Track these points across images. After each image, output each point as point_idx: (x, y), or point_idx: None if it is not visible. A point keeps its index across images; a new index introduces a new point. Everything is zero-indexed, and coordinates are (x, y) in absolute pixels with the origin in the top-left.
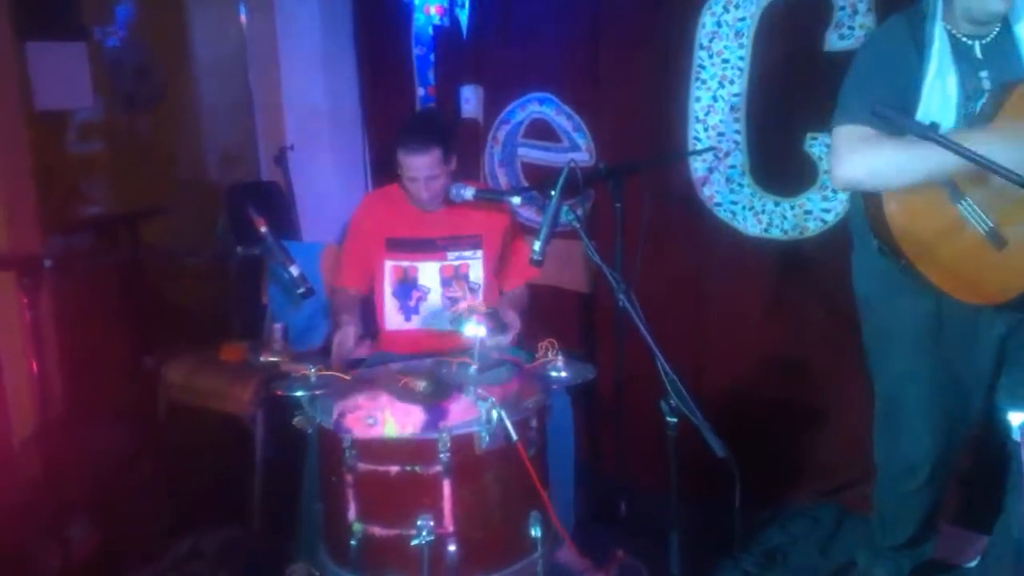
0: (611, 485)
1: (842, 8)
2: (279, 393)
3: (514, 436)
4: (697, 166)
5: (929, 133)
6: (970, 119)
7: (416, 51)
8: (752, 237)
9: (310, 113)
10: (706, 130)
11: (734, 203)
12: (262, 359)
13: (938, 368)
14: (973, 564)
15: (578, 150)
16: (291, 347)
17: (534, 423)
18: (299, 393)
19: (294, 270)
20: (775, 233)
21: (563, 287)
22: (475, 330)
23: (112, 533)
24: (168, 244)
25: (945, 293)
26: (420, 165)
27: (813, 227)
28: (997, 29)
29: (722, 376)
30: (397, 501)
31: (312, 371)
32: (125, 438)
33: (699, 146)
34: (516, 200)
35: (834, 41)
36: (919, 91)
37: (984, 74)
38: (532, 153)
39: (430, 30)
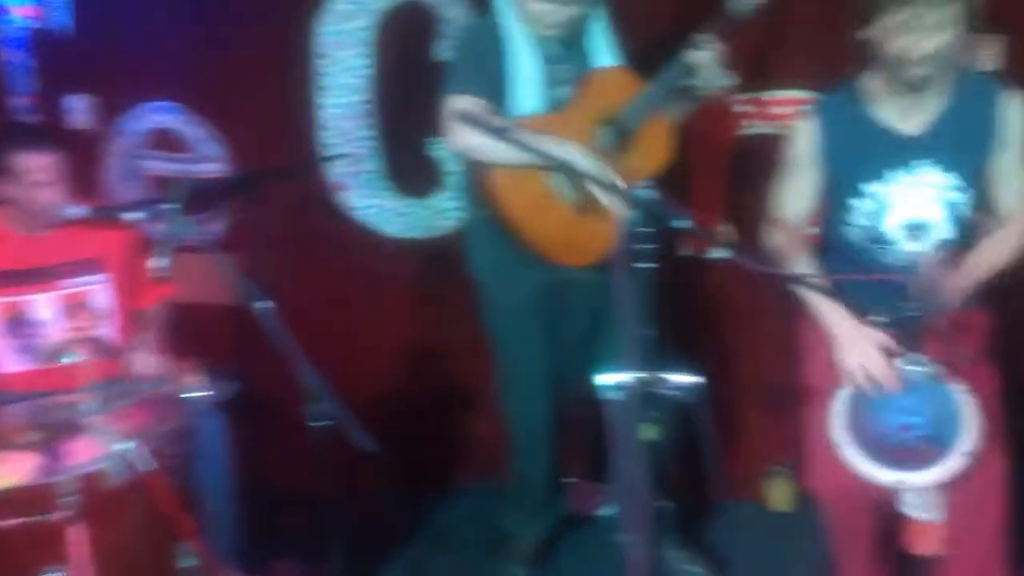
0: (279, 498)
1: (448, 21)
2: None
3: (148, 466)
4: (333, 172)
5: (503, 135)
6: (556, 105)
7: (9, 56)
8: (394, 239)
9: None
10: (338, 136)
11: (373, 207)
12: None
13: (551, 336)
14: (605, 512)
15: (209, 160)
16: None
17: (175, 449)
18: None
19: None
20: (414, 233)
21: (208, 302)
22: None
23: None
24: None
25: (547, 257)
26: (44, 166)
27: (447, 225)
28: (570, 29)
29: (381, 373)
30: (25, 557)
31: None
32: None
33: (331, 153)
34: (136, 216)
35: (444, 51)
36: (508, 78)
37: (563, 66)
38: (159, 165)
39: (25, 34)
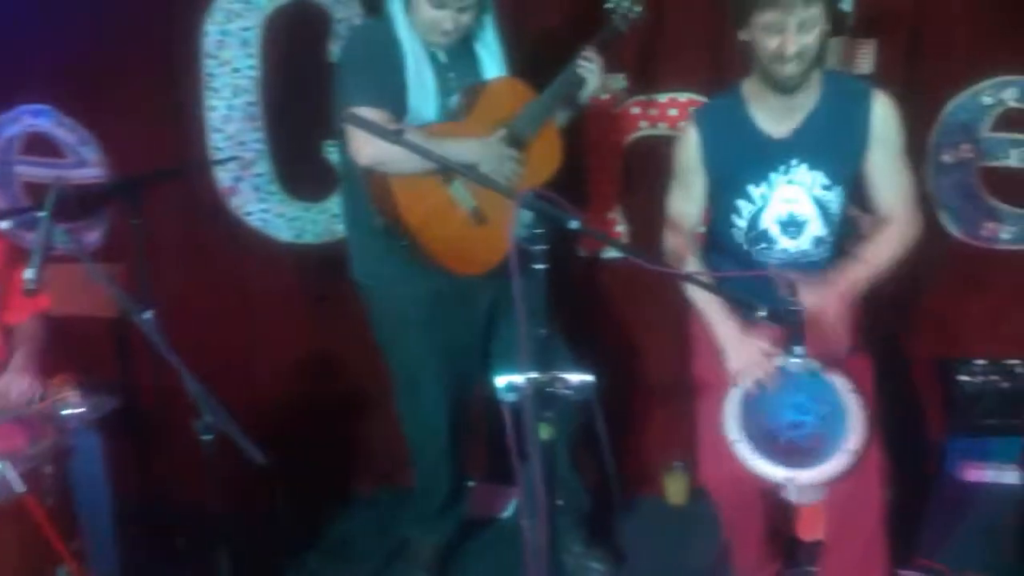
0: (170, 513)
1: (339, 20)
2: None
3: (22, 488)
4: (223, 176)
5: (396, 139)
6: (448, 112)
7: None
8: (287, 244)
9: None
10: (227, 139)
11: (265, 211)
12: None
13: (445, 341)
14: (508, 513)
15: (87, 165)
16: None
17: (49, 469)
18: None
19: None
20: (308, 238)
21: (88, 314)
22: None
23: None
24: None
25: (444, 267)
26: None
27: (341, 230)
28: (459, 38)
29: (276, 381)
30: None
31: None
32: None
33: (220, 156)
34: (7, 225)
35: (335, 52)
36: (405, 86)
37: (452, 75)
38: (33, 171)
39: None
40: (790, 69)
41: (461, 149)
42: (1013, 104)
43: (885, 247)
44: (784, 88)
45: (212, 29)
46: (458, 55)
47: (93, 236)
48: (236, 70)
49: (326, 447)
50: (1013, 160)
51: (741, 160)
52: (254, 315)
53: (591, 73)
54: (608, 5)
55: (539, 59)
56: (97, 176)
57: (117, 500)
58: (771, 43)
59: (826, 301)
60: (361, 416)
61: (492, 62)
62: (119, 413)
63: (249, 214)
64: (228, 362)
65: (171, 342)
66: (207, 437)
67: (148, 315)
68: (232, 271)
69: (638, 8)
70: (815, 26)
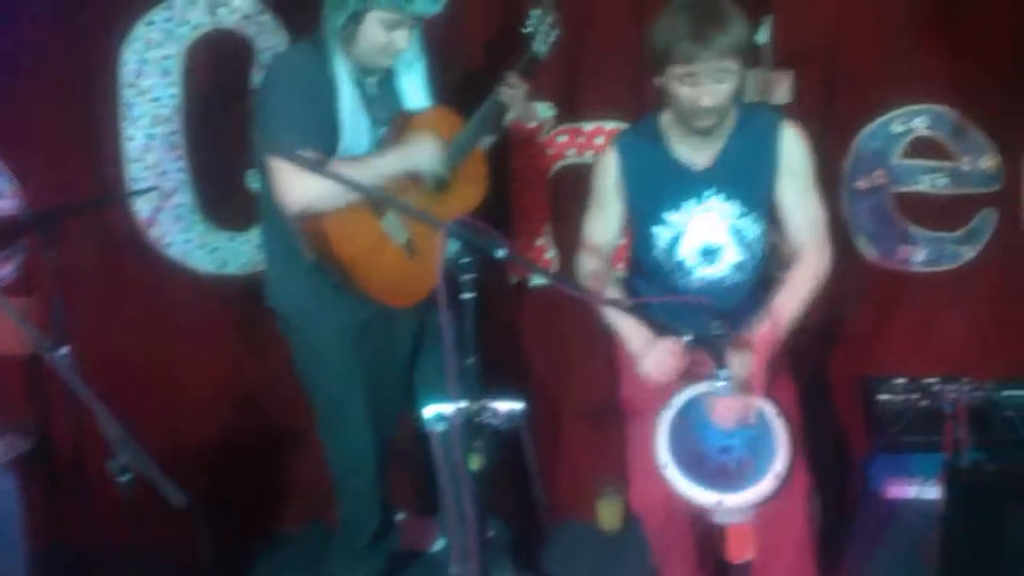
0: (85, 560)
1: (263, 50)
2: None
3: None
4: (141, 207)
5: (325, 171)
6: (379, 143)
7: None
8: (209, 275)
9: None
10: (146, 169)
11: (187, 242)
12: None
13: (370, 372)
14: (438, 547)
15: (1, 197)
16: None
17: None
18: None
19: None
20: (231, 269)
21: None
22: None
23: None
24: None
25: (376, 300)
26: None
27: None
28: (386, 71)
29: (201, 418)
30: None
31: None
32: None
33: (139, 187)
34: None
35: (258, 81)
36: (339, 118)
37: (381, 105)
38: None
39: None
40: (704, 121)
41: (403, 158)
42: (923, 132)
43: (798, 289)
44: (700, 133)
45: (131, 58)
46: (386, 85)
47: (6, 269)
48: (156, 99)
49: (251, 484)
50: (924, 185)
51: (658, 189)
52: (175, 350)
53: (514, 99)
54: (526, 29)
55: (464, 88)
56: (11, 208)
57: (31, 543)
58: (686, 95)
59: (751, 365)
60: (288, 451)
61: (418, 92)
62: (33, 454)
63: (169, 245)
64: (148, 399)
65: (88, 379)
66: (124, 478)
67: (63, 352)
68: (152, 304)
69: (556, 31)
70: (730, 79)
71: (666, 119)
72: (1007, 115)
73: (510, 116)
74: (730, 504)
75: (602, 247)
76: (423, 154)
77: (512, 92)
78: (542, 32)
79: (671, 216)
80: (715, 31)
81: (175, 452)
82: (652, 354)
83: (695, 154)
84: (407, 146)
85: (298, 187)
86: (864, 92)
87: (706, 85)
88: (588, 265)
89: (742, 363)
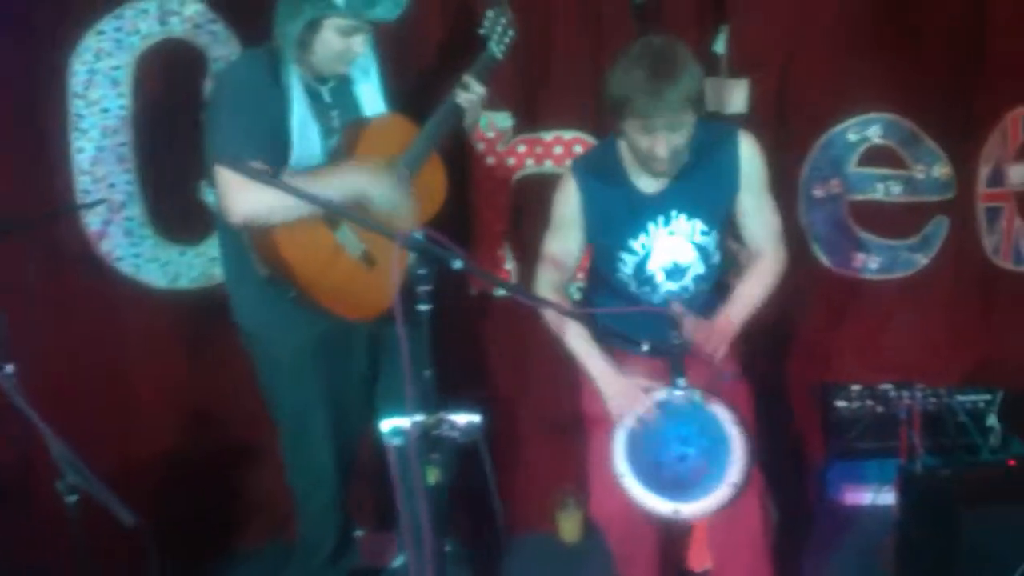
0: None
1: (215, 59)
2: None
3: None
4: (91, 220)
5: (274, 182)
6: (332, 153)
7: None
8: (161, 290)
9: None
10: (95, 182)
11: (137, 256)
12: None
13: (330, 387)
14: (399, 562)
15: None
16: None
17: None
18: None
19: None
20: (184, 283)
21: None
22: None
23: None
24: None
25: (333, 314)
26: None
27: (219, 273)
28: (341, 78)
29: (155, 436)
30: None
31: None
32: None
33: (88, 199)
34: None
35: (209, 91)
36: (289, 128)
37: (335, 113)
38: None
39: None
40: (660, 167)
41: (351, 182)
42: (877, 140)
43: (757, 284)
44: (656, 175)
45: (80, 69)
46: (340, 93)
47: None
48: (105, 110)
49: (209, 502)
50: (879, 194)
51: (620, 216)
52: (126, 366)
53: (470, 103)
54: (482, 31)
55: (419, 93)
56: None
57: None
58: (642, 143)
59: (708, 333)
60: (245, 468)
61: (374, 98)
62: None
63: (119, 259)
64: (99, 417)
65: (34, 398)
66: (71, 498)
67: (8, 369)
68: (102, 320)
69: (512, 32)
70: (684, 127)
71: (625, 145)
72: (958, 124)
73: (467, 120)
74: (687, 513)
75: (563, 262)
76: (370, 183)
77: (466, 95)
78: (498, 33)
79: (636, 243)
80: (668, 86)
81: (129, 473)
82: (617, 389)
83: (654, 179)
84: (354, 171)
85: (241, 198)
86: (819, 101)
87: (661, 134)
88: (544, 279)
89: (697, 327)
